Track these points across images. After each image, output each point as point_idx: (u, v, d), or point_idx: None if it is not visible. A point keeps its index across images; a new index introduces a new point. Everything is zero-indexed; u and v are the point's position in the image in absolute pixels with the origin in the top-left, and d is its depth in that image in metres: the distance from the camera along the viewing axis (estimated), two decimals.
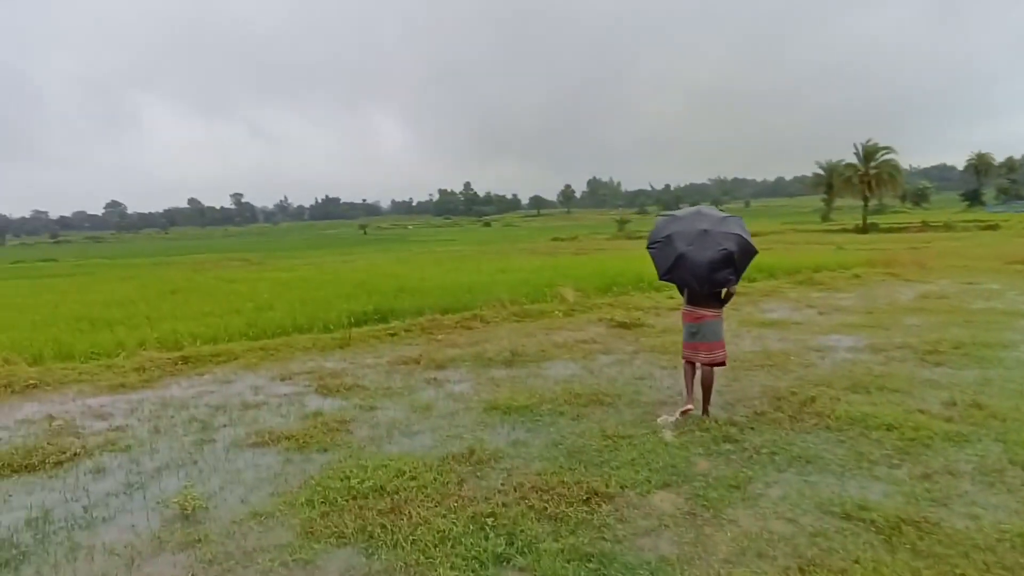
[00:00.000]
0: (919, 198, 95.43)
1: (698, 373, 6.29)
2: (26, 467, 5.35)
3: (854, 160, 58.26)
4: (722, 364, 6.27)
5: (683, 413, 6.07)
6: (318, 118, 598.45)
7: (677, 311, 13.08)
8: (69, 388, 7.95)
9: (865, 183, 56.32)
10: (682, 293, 6.32)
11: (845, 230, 52.32)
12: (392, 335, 10.71)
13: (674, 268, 5.88)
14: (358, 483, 4.67)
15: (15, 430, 6.39)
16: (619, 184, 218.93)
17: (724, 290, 6.02)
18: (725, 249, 5.70)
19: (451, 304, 12.98)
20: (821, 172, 68.41)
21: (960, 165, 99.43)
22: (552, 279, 16.15)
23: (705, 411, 6.16)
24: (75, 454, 5.61)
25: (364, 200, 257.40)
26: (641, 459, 5.07)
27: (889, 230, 50.82)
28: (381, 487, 4.63)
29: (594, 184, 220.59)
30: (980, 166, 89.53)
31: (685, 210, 6.42)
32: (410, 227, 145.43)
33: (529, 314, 12.33)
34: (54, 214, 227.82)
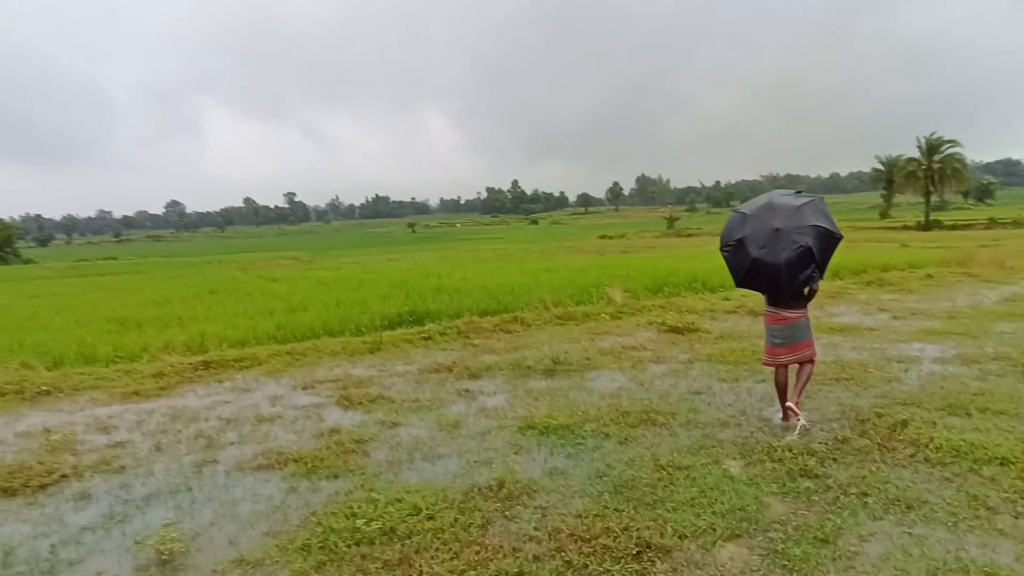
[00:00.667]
0: (983, 194, 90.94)
1: (792, 369, 5.79)
2: (6, 491, 4.80)
3: (916, 154, 55.63)
4: (811, 362, 5.75)
5: (788, 417, 5.64)
6: (369, 119, 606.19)
7: (734, 314, 12.16)
8: (81, 395, 7.49)
9: (928, 178, 53.72)
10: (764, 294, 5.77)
11: (907, 227, 49.99)
12: (426, 339, 10.04)
13: (750, 275, 5.42)
14: (365, 523, 3.96)
15: (11, 444, 5.89)
16: (668, 181, 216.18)
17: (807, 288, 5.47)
18: (801, 246, 5.13)
19: (491, 306, 12.27)
20: (880, 167, 65.49)
21: None
22: (599, 279, 15.31)
23: (795, 401, 5.57)
24: (63, 475, 5.05)
25: (413, 199, 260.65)
26: (703, 498, 4.24)
27: (954, 227, 48.28)
28: (391, 529, 3.90)
29: (643, 181, 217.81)
30: None
31: (756, 203, 5.72)
32: (458, 225, 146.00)
33: (573, 316, 11.53)
34: (117, 214, 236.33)
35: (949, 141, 54.61)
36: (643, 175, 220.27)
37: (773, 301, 5.62)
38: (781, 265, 5.14)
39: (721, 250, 5.68)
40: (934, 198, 58.14)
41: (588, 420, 5.89)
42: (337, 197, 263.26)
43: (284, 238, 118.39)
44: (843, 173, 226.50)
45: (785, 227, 5.17)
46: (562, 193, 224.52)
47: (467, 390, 7.19)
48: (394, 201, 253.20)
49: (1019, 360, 7.61)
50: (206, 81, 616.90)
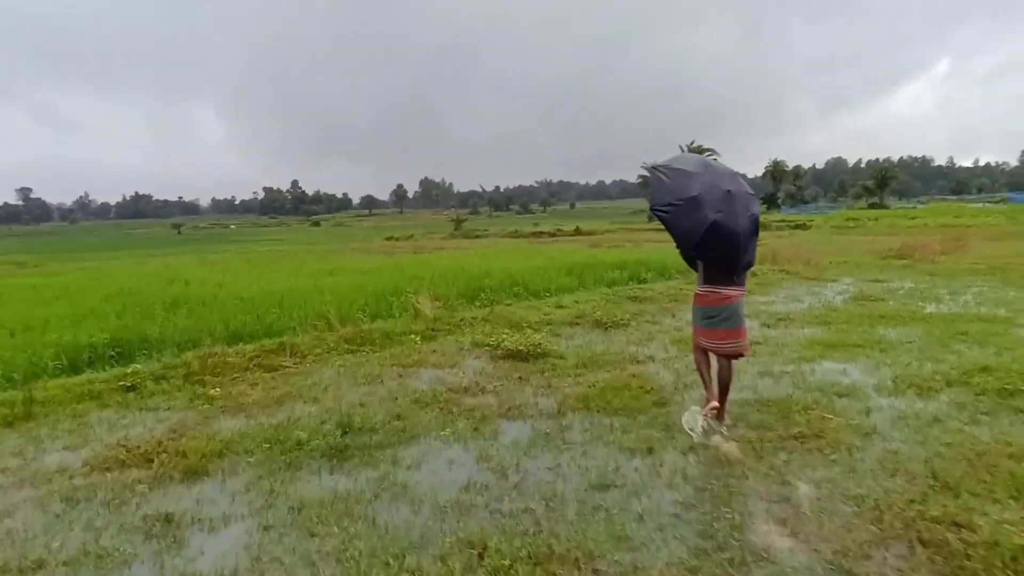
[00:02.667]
0: None
1: (714, 365, 4.96)
2: None
3: None
4: (742, 355, 4.97)
5: (710, 413, 4.75)
6: (125, 106, 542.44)
7: (578, 326, 9.50)
8: None
9: None
10: (694, 268, 5.05)
11: None
12: (129, 389, 6.13)
13: (707, 242, 4.48)
14: None
15: None
16: (451, 185, 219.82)
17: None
18: (753, 214, 4.65)
19: (247, 326, 8.49)
20: (647, 175, 69.84)
21: (750, 174, 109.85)
22: (398, 284, 11.99)
23: (721, 413, 4.83)
24: None
25: (180, 198, 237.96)
26: None
27: None
28: None
29: (427, 184, 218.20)
30: (776, 173, 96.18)
31: (688, 160, 4.89)
32: (232, 226, 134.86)
33: (369, 339, 8.15)
34: None
35: (708, 149, 60.90)
36: (427, 178, 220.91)
37: (712, 277, 4.82)
38: (740, 233, 4.51)
39: (658, 209, 4.60)
40: None
41: None
42: (87, 194, 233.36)
43: (12, 240, 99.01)
44: (607, 181, 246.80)
45: (735, 192, 4.56)
46: (345, 195, 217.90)
47: (169, 517, 3.58)
48: (158, 200, 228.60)
49: (989, 386, 5.61)
50: None
